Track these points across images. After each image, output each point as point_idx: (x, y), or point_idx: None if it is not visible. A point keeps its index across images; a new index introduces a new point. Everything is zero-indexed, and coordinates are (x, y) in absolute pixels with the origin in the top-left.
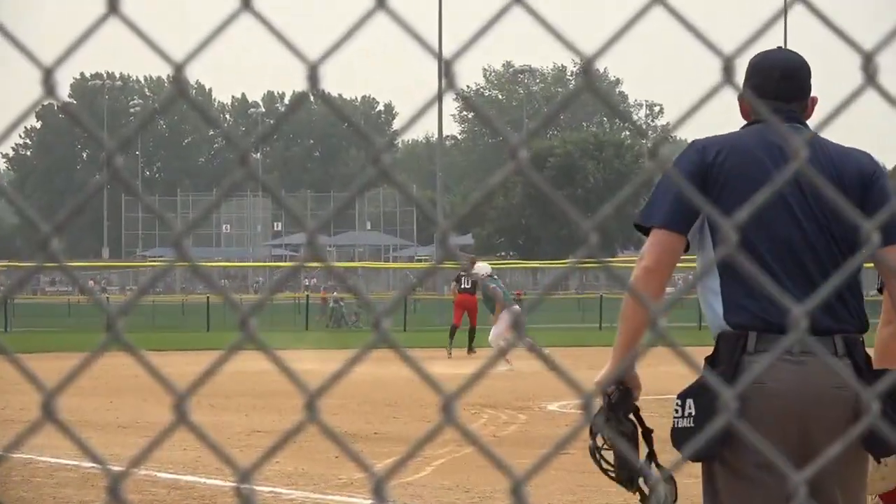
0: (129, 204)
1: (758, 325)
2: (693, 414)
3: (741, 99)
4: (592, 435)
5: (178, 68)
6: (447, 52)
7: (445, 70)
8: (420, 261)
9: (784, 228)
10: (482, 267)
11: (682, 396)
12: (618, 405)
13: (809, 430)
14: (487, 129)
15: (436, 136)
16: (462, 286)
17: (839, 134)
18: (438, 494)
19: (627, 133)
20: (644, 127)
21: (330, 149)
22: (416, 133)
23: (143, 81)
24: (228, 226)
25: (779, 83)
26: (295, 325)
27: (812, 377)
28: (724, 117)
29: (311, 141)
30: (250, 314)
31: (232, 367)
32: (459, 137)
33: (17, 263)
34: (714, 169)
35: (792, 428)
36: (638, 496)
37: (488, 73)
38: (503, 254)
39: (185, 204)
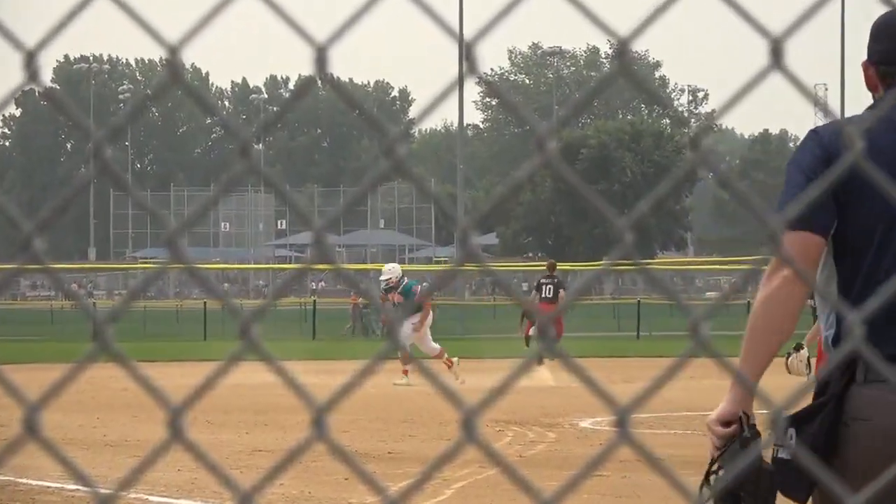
0: (119, 200)
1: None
2: (793, 446)
3: (866, 66)
4: (709, 485)
5: (173, 51)
6: (468, 33)
7: (466, 53)
8: (439, 262)
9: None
10: (393, 269)
11: (789, 423)
12: (753, 446)
13: None
14: (513, 118)
15: (456, 124)
16: (543, 295)
17: None
18: None
19: (668, 121)
20: (686, 114)
21: (339, 139)
22: (435, 122)
23: (133, 65)
24: (227, 224)
25: None
26: (301, 333)
27: None
28: (773, 104)
29: (319, 130)
30: (252, 321)
31: (231, 379)
32: (482, 126)
33: None
34: (839, 157)
35: None
36: None
37: (514, 55)
38: (530, 255)
39: (180, 200)
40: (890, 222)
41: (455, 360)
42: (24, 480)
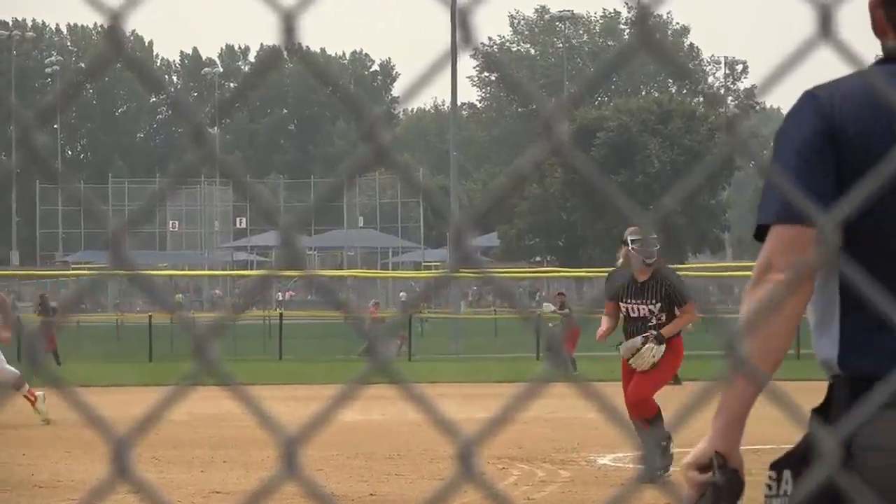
0: (46, 194)
1: (884, 373)
2: (788, 492)
3: (873, 7)
4: None
5: (115, 16)
6: None
7: (460, 20)
8: (428, 268)
9: None
10: None
11: (777, 467)
12: (727, 495)
13: None
14: (515, 95)
15: (448, 104)
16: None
17: None
18: None
19: (700, 99)
20: (722, 91)
21: (309, 121)
22: (423, 100)
23: (63, 32)
24: (176, 223)
25: None
26: (265, 352)
27: None
28: (823, 79)
29: (285, 111)
30: (208, 338)
31: (183, 407)
32: (479, 106)
33: None
34: (846, 137)
35: None
36: None
37: (516, 21)
38: (538, 258)
39: (119, 193)
40: None
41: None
42: None
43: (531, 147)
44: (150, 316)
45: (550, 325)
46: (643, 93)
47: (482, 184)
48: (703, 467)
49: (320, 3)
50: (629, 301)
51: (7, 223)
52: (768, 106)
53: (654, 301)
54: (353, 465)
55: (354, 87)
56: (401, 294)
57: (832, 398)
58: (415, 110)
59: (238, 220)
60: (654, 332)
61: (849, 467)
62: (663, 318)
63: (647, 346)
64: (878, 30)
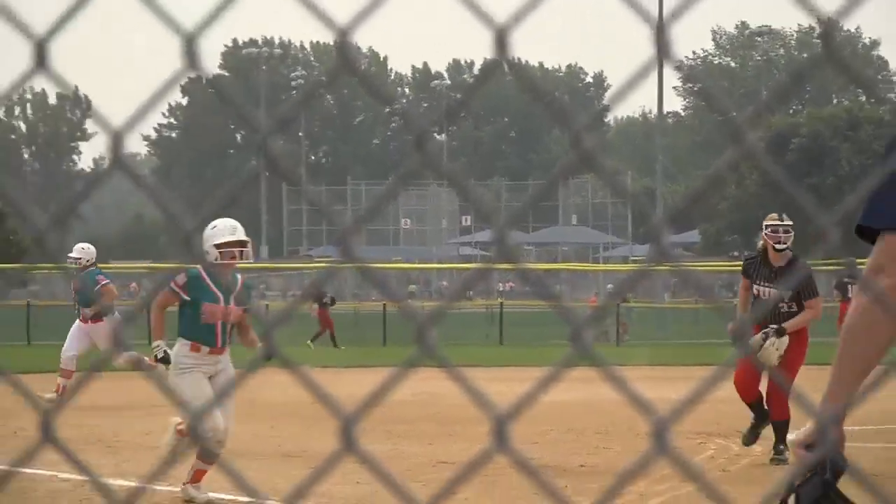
0: (292, 195)
1: None
2: None
3: None
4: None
5: (343, 33)
6: (667, 13)
7: (659, 35)
8: (636, 261)
9: None
10: (87, 249)
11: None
12: (826, 478)
13: None
14: (710, 105)
15: (655, 112)
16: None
17: None
18: None
19: (888, 108)
20: None
21: (528, 129)
22: (632, 108)
23: (307, 49)
24: (408, 220)
25: None
26: (487, 338)
27: None
28: None
29: (506, 119)
30: (428, 325)
31: (411, 387)
32: (683, 114)
33: (157, 265)
34: None
35: None
36: None
37: (718, 35)
38: (735, 253)
39: (357, 195)
40: None
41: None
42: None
43: (726, 152)
44: (384, 305)
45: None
46: (835, 101)
47: (686, 186)
48: (810, 446)
49: (534, 18)
50: (760, 283)
51: (257, 221)
52: None
53: (783, 288)
54: (565, 440)
55: (568, 98)
56: (609, 286)
57: None
58: (624, 118)
59: (463, 218)
60: (774, 327)
61: None
62: (794, 307)
63: (768, 341)
64: None
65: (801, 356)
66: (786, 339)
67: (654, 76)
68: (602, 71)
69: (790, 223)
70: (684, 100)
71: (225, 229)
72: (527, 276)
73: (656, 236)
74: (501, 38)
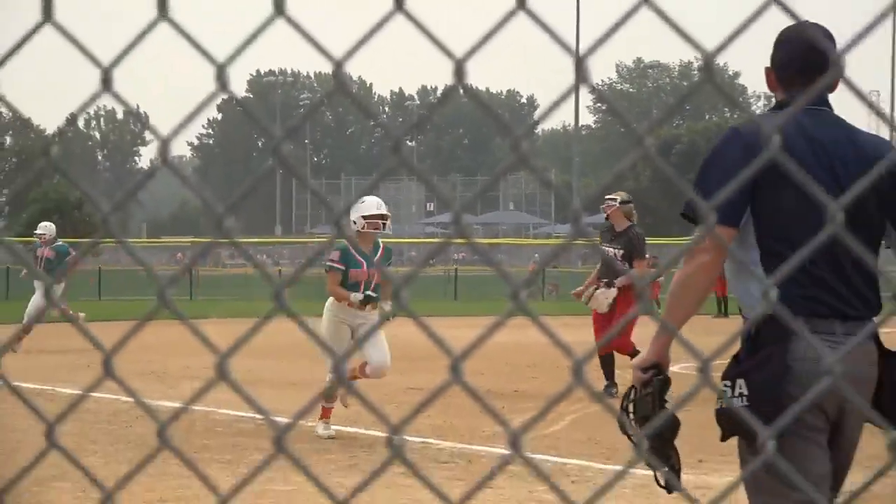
0: (300, 186)
1: (802, 312)
2: (746, 394)
3: (768, 71)
4: (625, 411)
5: (338, 65)
6: (583, 49)
7: (580, 65)
8: (557, 237)
9: (818, 217)
10: (48, 226)
11: (730, 377)
12: (659, 391)
13: (845, 404)
14: (618, 120)
15: (572, 125)
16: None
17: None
18: (571, 446)
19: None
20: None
21: (478, 138)
22: (555, 122)
23: (312, 77)
24: (386, 206)
25: (803, 56)
26: (445, 295)
27: (852, 358)
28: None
29: (461, 130)
30: (402, 285)
31: (388, 331)
32: (594, 126)
33: (197, 239)
34: (756, 157)
35: (833, 402)
36: (656, 475)
37: (620, 68)
38: None
39: (348, 187)
40: (804, 211)
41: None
42: (223, 411)
43: (628, 155)
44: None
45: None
46: (707, 118)
47: (595, 181)
48: (645, 369)
49: (483, 53)
50: (605, 244)
51: (273, 206)
52: None
53: (618, 247)
54: (503, 371)
55: (508, 115)
56: (535, 255)
57: (761, 330)
58: (550, 130)
59: (428, 204)
60: (606, 280)
61: (789, 376)
62: (626, 265)
63: (598, 291)
64: (771, 87)
65: (630, 307)
66: (613, 290)
67: (572, 98)
68: (533, 94)
69: (612, 198)
70: (595, 116)
71: (372, 204)
72: (476, 248)
73: (574, 218)
74: (459, 69)
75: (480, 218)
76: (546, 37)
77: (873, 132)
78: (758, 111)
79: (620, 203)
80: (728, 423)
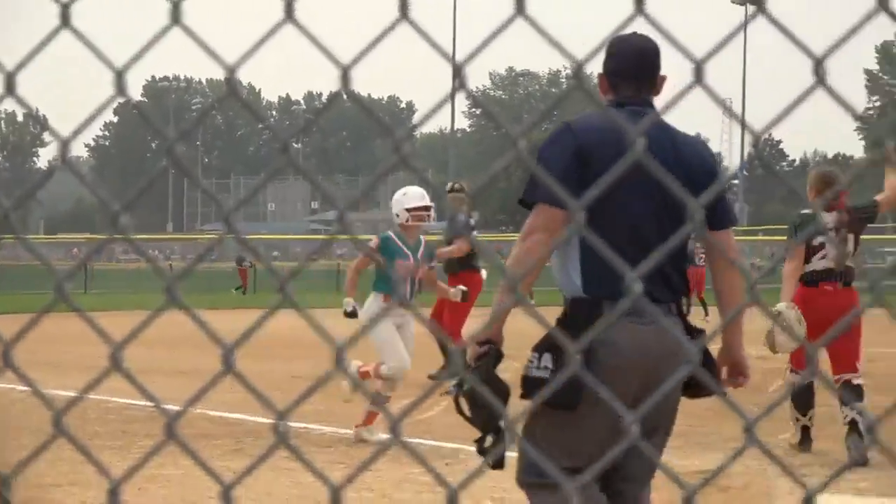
0: (192, 185)
1: (612, 296)
2: (550, 367)
3: (601, 76)
4: (459, 384)
5: (231, 71)
6: (460, 58)
7: (457, 73)
8: (435, 234)
9: (631, 208)
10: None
11: (539, 350)
12: (490, 361)
13: (650, 381)
14: (492, 124)
15: (449, 129)
16: None
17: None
18: (446, 430)
19: None
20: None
21: (360, 140)
22: (433, 127)
23: (204, 83)
24: (273, 204)
25: (632, 64)
26: (327, 289)
27: (654, 336)
28: (692, 116)
29: (345, 133)
30: (288, 279)
31: (275, 323)
32: (469, 130)
33: (93, 236)
34: (587, 151)
35: (635, 379)
36: (486, 443)
37: (493, 76)
38: (504, 228)
39: (237, 186)
40: (624, 203)
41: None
42: (115, 399)
43: (501, 157)
44: (254, 265)
45: None
46: None
47: (470, 180)
48: (480, 343)
49: (367, 61)
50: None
51: (165, 204)
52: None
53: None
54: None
55: (388, 119)
56: None
57: (572, 312)
58: (428, 133)
59: (313, 203)
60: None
61: (593, 356)
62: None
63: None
64: (603, 91)
65: (460, 281)
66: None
67: (449, 103)
68: (412, 100)
69: (457, 188)
70: (470, 120)
71: (416, 195)
72: (358, 244)
73: (452, 216)
74: (345, 75)
75: (363, 216)
76: (426, 45)
77: (703, 136)
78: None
79: (447, 192)
80: (527, 389)
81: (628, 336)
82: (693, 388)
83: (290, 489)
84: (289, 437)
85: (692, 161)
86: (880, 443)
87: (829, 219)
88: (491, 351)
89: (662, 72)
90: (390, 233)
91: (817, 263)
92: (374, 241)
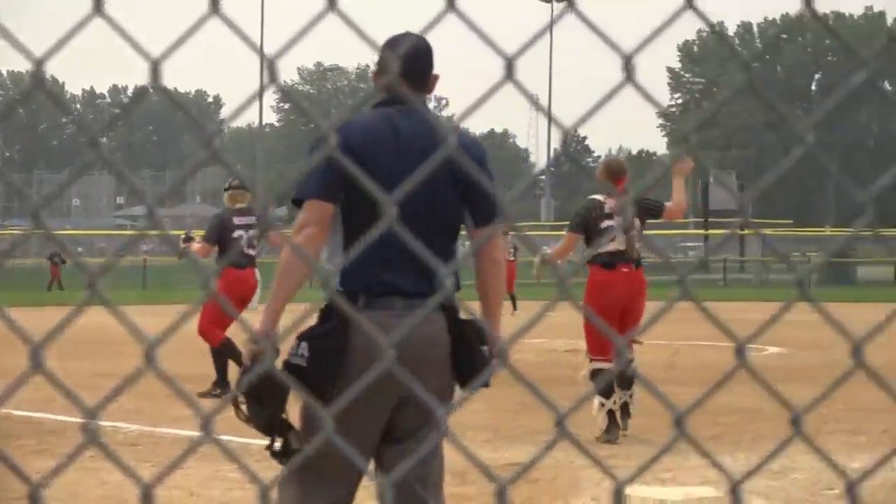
0: None
1: (366, 289)
2: (307, 356)
3: (375, 74)
4: (237, 388)
5: (38, 64)
6: (269, 53)
7: (269, 67)
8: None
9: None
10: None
11: (299, 338)
12: (266, 361)
13: (419, 369)
14: (302, 119)
15: (257, 123)
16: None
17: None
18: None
19: None
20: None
21: (167, 134)
22: (241, 121)
23: (5, 75)
24: (78, 199)
25: (405, 62)
26: (134, 284)
27: (418, 328)
28: (501, 109)
29: (151, 127)
30: (99, 275)
31: (82, 320)
32: (277, 125)
33: None
34: (355, 150)
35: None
36: (275, 444)
37: (302, 71)
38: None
39: (40, 181)
40: (370, 202)
41: None
42: None
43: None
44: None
45: None
46: None
47: (278, 174)
48: (254, 341)
49: (177, 55)
50: None
51: None
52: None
53: None
54: (196, 356)
55: (197, 112)
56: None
57: (331, 306)
58: (237, 127)
59: (118, 197)
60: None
61: (344, 349)
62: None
63: None
64: (377, 88)
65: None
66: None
67: (257, 99)
68: (219, 94)
69: (235, 185)
70: (278, 115)
71: None
72: (167, 239)
73: (262, 209)
74: (155, 69)
75: (170, 211)
76: (232, 38)
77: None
78: (439, 113)
79: (225, 189)
80: (287, 373)
81: (384, 329)
82: (468, 379)
83: (95, 489)
84: (99, 435)
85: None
86: (687, 435)
87: (611, 204)
88: (266, 350)
89: (436, 71)
90: None
91: (609, 246)
92: None
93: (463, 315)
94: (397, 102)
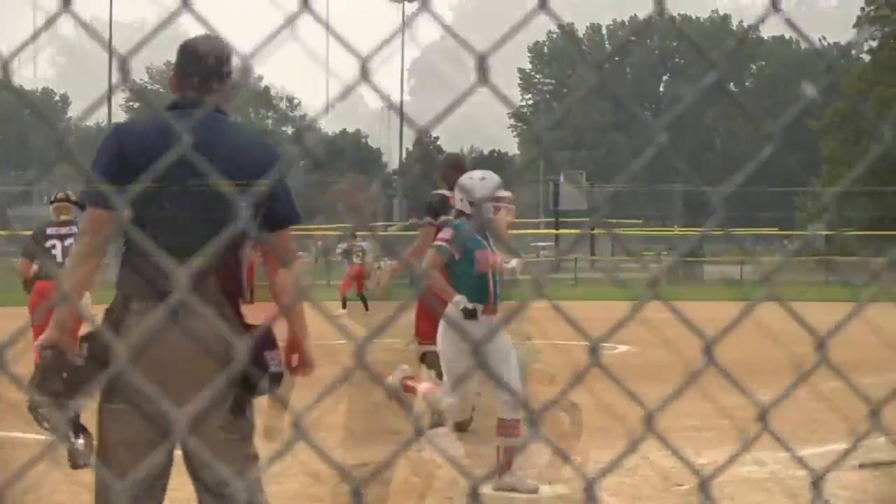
0: None
1: (137, 291)
2: (85, 356)
3: (172, 75)
4: (29, 392)
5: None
6: (122, 52)
7: (119, 66)
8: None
9: (177, 207)
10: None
11: (82, 339)
12: (52, 366)
13: (168, 377)
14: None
15: (106, 123)
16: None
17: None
18: None
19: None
20: (287, 116)
21: (16, 132)
22: (89, 121)
23: None
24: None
25: (198, 65)
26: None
27: (176, 334)
28: (358, 108)
29: None
30: None
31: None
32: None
33: None
34: (128, 153)
35: (153, 376)
36: (75, 447)
37: (151, 70)
38: None
39: None
40: (170, 202)
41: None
42: None
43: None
44: None
45: None
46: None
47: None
48: (47, 348)
49: (25, 54)
50: None
51: None
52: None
53: None
54: None
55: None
56: None
57: (112, 308)
58: (84, 126)
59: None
60: None
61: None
62: None
63: None
64: (172, 88)
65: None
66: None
67: (107, 99)
68: (66, 92)
69: (60, 197)
70: (127, 115)
71: (493, 184)
72: (19, 239)
73: (118, 210)
74: (5, 67)
75: (18, 211)
76: (81, 35)
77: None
78: (286, 110)
79: (52, 201)
80: (75, 372)
81: (148, 333)
82: (245, 387)
83: None
84: None
85: (245, 162)
86: (545, 435)
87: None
88: (53, 355)
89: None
90: (461, 220)
91: None
92: (446, 231)
93: (249, 321)
94: (188, 106)
